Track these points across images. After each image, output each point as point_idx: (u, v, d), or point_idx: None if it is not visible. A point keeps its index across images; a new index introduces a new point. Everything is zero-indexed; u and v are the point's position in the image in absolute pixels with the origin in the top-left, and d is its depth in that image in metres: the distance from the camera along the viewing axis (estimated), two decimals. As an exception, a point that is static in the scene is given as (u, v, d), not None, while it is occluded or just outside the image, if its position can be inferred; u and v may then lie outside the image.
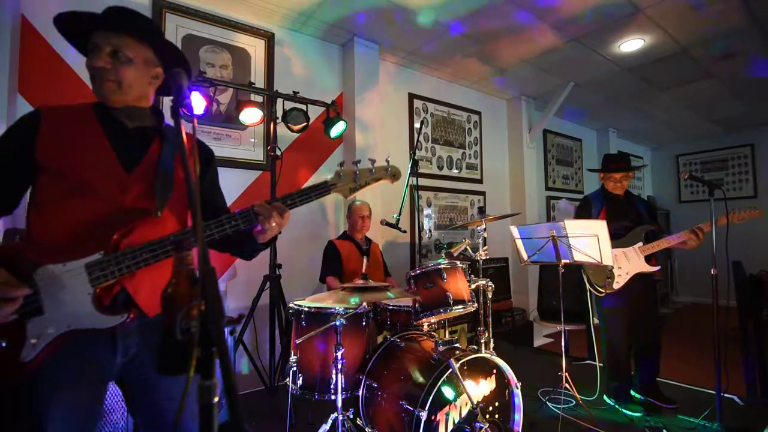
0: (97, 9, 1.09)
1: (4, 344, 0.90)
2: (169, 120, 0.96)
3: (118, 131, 1.10)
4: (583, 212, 2.90)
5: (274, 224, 1.13)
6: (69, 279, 0.94)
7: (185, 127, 0.71)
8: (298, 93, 3.03)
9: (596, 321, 2.88)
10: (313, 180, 3.43)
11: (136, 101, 1.12)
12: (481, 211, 2.70)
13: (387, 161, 1.37)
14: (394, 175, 1.36)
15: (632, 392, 2.84)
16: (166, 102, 2.57)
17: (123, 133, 1.11)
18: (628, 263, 2.63)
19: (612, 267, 2.59)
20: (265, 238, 1.18)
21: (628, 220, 2.72)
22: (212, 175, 1.31)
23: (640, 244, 2.64)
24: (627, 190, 2.87)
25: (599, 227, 2.33)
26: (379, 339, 2.38)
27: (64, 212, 1.01)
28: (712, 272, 2.36)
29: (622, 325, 2.69)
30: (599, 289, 2.67)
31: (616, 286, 2.63)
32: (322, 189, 1.23)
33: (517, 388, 1.95)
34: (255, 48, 3.28)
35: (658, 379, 2.83)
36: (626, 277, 2.62)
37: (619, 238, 2.66)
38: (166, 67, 1.17)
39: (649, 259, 2.64)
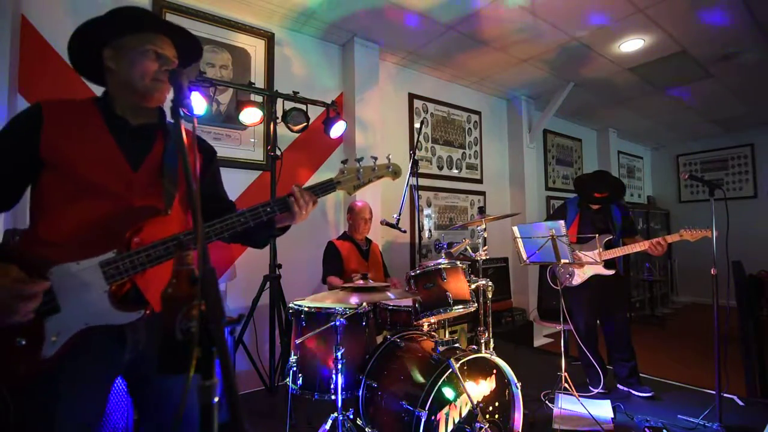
0: (97, 9, 1.09)
1: (24, 342, 0.91)
2: (171, 118, 0.96)
3: (122, 128, 1.10)
4: (558, 215, 3.25)
5: (304, 212, 1.22)
6: (84, 277, 0.95)
7: (185, 127, 0.71)
8: (298, 93, 3.03)
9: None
10: (313, 180, 3.42)
11: (157, 102, 1.17)
12: (481, 211, 2.70)
13: (388, 159, 1.43)
14: (395, 172, 1.41)
15: (618, 385, 3.01)
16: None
17: (127, 130, 1.11)
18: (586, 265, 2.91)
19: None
20: (287, 223, 1.27)
21: (595, 229, 2.96)
22: (214, 171, 1.33)
23: (599, 250, 2.82)
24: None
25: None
26: (379, 339, 2.37)
27: (72, 211, 1.00)
28: (712, 272, 2.38)
29: (582, 316, 2.97)
30: (558, 282, 2.93)
31: (575, 282, 2.95)
32: (328, 186, 1.28)
33: (517, 388, 1.95)
34: (255, 48, 3.28)
35: (656, 378, 2.87)
36: (584, 276, 2.93)
37: (583, 242, 2.93)
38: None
39: (611, 266, 2.86)
